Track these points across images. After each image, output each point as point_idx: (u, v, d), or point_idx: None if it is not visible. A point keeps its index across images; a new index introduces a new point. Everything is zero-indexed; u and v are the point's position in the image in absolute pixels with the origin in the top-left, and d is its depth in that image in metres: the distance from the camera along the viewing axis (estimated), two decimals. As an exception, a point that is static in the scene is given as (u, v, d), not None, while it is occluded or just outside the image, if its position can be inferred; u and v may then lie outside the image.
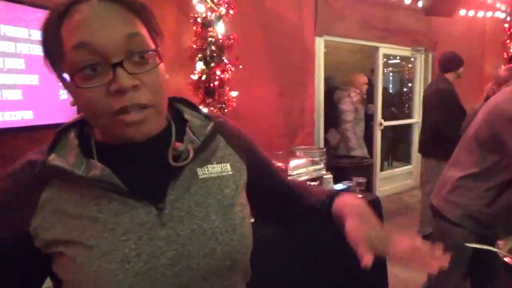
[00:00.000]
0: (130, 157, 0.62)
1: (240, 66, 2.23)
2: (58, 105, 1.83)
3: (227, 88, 2.26)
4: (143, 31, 0.58)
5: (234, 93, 2.27)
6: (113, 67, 0.54)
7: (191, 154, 0.63)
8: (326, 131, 4.35)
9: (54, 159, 0.58)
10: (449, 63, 3.15)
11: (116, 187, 0.58)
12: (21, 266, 0.60)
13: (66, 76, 0.57)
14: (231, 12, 2.17)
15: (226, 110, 2.23)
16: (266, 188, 0.80)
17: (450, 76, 3.14)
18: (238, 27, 2.27)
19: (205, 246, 0.60)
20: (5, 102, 1.61)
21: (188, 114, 0.70)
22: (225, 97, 2.24)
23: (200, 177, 0.65)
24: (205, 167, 0.66)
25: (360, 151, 4.02)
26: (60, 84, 0.60)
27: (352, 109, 4.08)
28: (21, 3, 1.65)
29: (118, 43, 0.54)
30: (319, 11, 3.51)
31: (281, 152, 2.16)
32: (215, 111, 2.18)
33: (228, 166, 0.69)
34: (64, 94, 1.85)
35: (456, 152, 1.77)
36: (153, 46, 0.58)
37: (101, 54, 0.54)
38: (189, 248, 0.59)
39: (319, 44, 3.65)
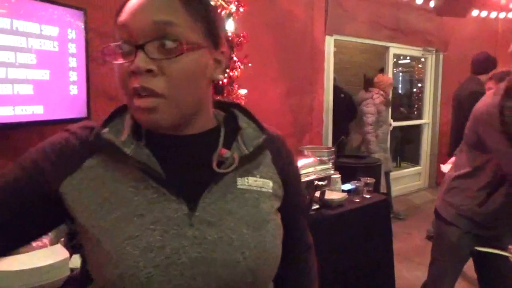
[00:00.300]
0: (175, 149, 0.63)
1: (250, 64, 2.22)
2: (68, 100, 1.84)
3: (236, 86, 2.25)
4: (180, 21, 0.57)
5: (243, 91, 2.27)
6: (136, 48, 0.55)
7: (236, 163, 0.63)
8: (347, 133, 4.29)
9: (107, 133, 0.59)
10: (483, 64, 3.07)
11: (157, 175, 0.58)
12: (34, 214, 0.60)
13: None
14: (241, 9, 2.17)
15: (234, 108, 2.22)
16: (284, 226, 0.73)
17: (483, 78, 3.05)
18: (248, 25, 2.26)
19: (229, 257, 0.58)
20: (17, 96, 1.62)
21: (243, 122, 0.69)
22: (234, 95, 2.23)
23: (238, 186, 0.64)
24: (246, 178, 0.65)
25: (382, 155, 3.84)
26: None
27: (373, 111, 3.94)
28: (33, -2, 1.67)
29: (146, 28, 0.56)
30: (329, 10, 3.49)
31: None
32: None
33: (270, 183, 0.68)
34: (74, 90, 1.86)
35: (457, 153, 1.78)
36: (189, 38, 0.57)
37: (131, 35, 0.56)
38: (212, 255, 0.57)
39: (329, 43, 3.63)
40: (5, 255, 0.61)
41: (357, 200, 2.24)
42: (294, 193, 0.75)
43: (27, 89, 1.66)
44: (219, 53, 0.63)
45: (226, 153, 0.64)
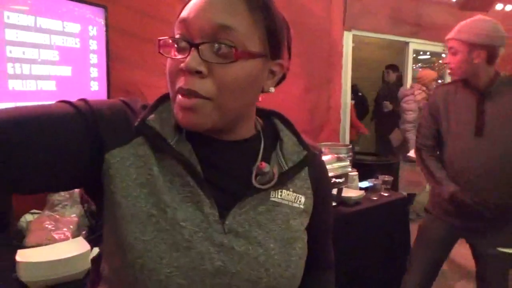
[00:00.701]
0: (214, 152, 0.61)
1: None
2: (88, 96, 1.87)
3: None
4: (241, 27, 0.54)
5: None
6: (190, 46, 0.54)
7: (275, 179, 0.61)
8: (389, 130, 4.19)
9: (153, 120, 0.58)
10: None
11: (196, 173, 0.57)
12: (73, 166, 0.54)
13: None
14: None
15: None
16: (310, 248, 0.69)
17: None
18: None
19: (252, 271, 0.57)
20: (40, 92, 1.66)
21: (284, 135, 0.67)
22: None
23: (271, 198, 0.62)
24: (280, 190, 0.63)
25: None
26: None
27: (414, 108, 3.79)
28: (55, -4, 1.70)
29: (205, 28, 0.54)
30: (348, 5, 3.44)
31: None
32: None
33: (303, 199, 0.65)
34: (94, 86, 1.89)
35: None
36: (246, 45, 0.55)
37: (189, 32, 0.55)
38: (236, 267, 0.56)
39: (347, 39, 3.59)
40: (23, 192, 0.56)
41: (375, 198, 2.22)
42: (324, 211, 0.73)
43: (50, 85, 1.70)
44: (275, 64, 0.62)
45: (266, 167, 0.62)
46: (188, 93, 0.54)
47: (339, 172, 1.94)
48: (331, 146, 2.52)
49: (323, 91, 3.38)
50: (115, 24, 1.95)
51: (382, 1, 3.72)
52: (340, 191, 2.04)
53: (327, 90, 3.41)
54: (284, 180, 0.63)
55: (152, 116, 0.58)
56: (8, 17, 1.52)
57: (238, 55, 0.54)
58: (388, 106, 4.48)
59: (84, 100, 0.58)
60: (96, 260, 0.65)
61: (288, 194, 0.64)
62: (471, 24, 1.57)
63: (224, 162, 0.62)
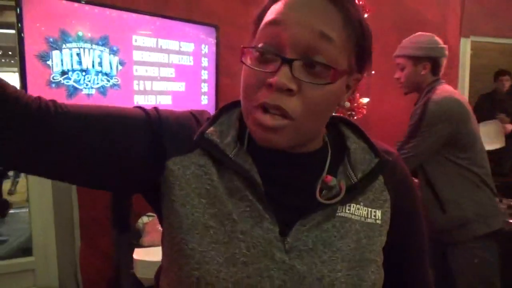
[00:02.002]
0: (276, 165, 0.57)
1: (373, 72, 2.13)
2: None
3: (357, 94, 2.18)
4: (338, 40, 0.50)
5: (364, 100, 2.18)
6: (282, 61, 0.49)
7: (342, 193, 0.55)
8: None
9: (212, 133, 0.56)
10: None
11: (255, 187, 0.53)
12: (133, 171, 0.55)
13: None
14: (365, 15, 2.10)
15: (355, 118, 2.15)
16: (393, 273, 0.60)
17: None
18: (373, 29, 2.16)
19: None
20: (159, 106, 1.84)
21: (352, 142, 0.60)
22: (355, 104, 2.17)
23: (338, 214, 0.55)
24: (348, 204, 0.56)
25: None
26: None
27: None
28: (173, 19, 1.88)
29: (303, 38, 0.49)
30: (466, 9, 3.14)
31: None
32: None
33: (379, 213, 0.57)
34: (205, 100, 2.03)
35: None
36: (340, 62, 0.51)
37: (279, 41, 0.50)
38: (297, 287, 0.50)
39: (465, 46, 3.27)
40: (74, 182, 0.57)
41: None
42: (410, 228, 0.62)
43: (167, 100, 1.87)
44: (354, 78, 0.57)
45: (331, 181, 0.56)
46: (276, 109, 0.49)
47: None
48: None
49: (435, 103, 3.11)
50: (225, 42, 2.08)
51: (507, 2, 3.31)
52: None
53: (439, 102, 3.14)
54: (353, 193, 0.56)
55: (211, 129, 0.56)
56: (135, 40, 1.73)
57: (335, 77, 0.49)
58: (505, 119, 3.90)
59: (155, 108, 0.59)
60: (156, 274, 0.65)
61: (358, 209, 0.56)
62: (412, 40, 1.74)
63: (287, 176, 0.57)
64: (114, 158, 0.53)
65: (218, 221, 0.52)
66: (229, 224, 0.52)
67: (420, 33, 1.77)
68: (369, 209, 0.57)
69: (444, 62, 1.75)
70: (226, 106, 0.61)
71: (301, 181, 0.57)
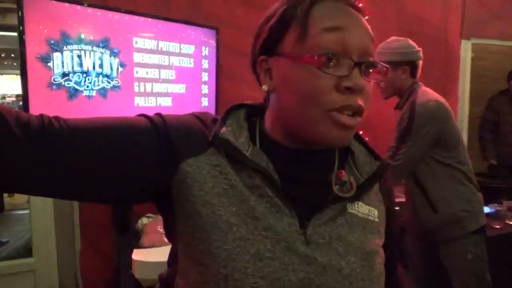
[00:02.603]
0: (292, 162, 0.60)
1: (373, 74, 2.14)
2: (199, 111, 2.03)
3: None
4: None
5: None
6: (354, 64, 0.53)
7: (354, 188, 0.60)
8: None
9: (226, 133, 0.58)
10: None
11: (274, 183, 0.56)
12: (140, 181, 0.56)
13: (288, 54, 0.56)
14: (366, 18, 2.10)
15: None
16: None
17: None
18: (374, 32, 2.17)
19: (337, 284, 0.54)
20: (159, 108, 1.85)
21: (354, 145, 0.66)
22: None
23: (348, 210, 0.60)
24: (355, 203, 0.61)
25: None
26: (263, 63, 0.60)
27: None
28: (174, 21, 1.89)
29: (364, 42, 0.55)
30: (467, 11, 3.14)
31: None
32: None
33: (376, 212, 0.63)
34: (205, 101, 2.04)
35: None
36: None
37: (345, 46, 0.54)
38: (320, 279, 0.54)
39: (466, 48, 3.27)
40: (78, 199, 0.59)
41: (498, 227, 1.96)
42: (392, 229, 0.68)
43: (167, 101, 1.88)
44: None
45: (344, 175, 0.61)
46: (358, 110, 0.54)
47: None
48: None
49: (437, 105, 3.11)
50: (225, 44, 2.08)
51: (509, 3, 3.31)
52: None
53: (441, 104, 3.14)
54: (360, 192, 0.61)
55: (224, 129, 0.58)
56: (136, 42, 1.74)
57: (387, 72, 0.57)
58: None
59: (159, 114, 0.60)
60: (164, 277, 0.66)
61: (362, 207, 0.61)
62: (389, 45, 1.77)
63: (301, 172, 0.60)
64: (124, 169, 0.54)
65: (240, 218, 0.54)
66: (252, 221, 0.54)
67: (394, 37, 1.83)
68: (369, 208, 0.62)
69: (420, 64, 1.81)
70: (232, 108, 0.63)
71: (313, 176, 0.61)
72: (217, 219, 0.54)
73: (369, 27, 0.57)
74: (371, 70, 0.57)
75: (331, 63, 0.53)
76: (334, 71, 0.53)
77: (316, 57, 0.53)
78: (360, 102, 0.54)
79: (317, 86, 0.53)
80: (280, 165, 0.59)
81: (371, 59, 0.56)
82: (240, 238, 0.53)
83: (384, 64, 0.58)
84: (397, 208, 1.63)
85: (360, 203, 0.61)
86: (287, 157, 0.60)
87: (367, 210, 0.62)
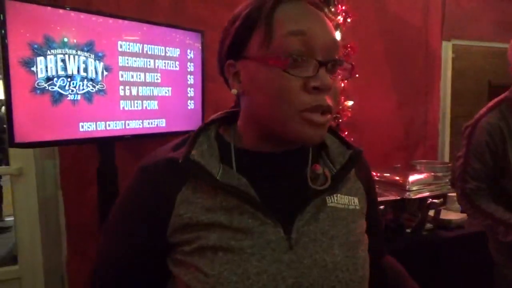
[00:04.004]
0: (266, 168, 0.61)
1: (357, 75, 2.17)
2: (186, 114, 2.03)
3: (342, 97, 2.22)
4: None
5: (349, 102, 2.22)
6: (319, 64, 0.55)
7: (329, 181, 0.62)
8: None
9: (196, 154, 0.58)
10: None
11: (251, 198, 0.57)
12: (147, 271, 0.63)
13: (253, 57, 0.57)
14: (348, 20, 2.14)
15: (340, 120, 2.18)
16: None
17: None
18: (357, 34, 2.21)
19: (324, 281, 0.56)
20: (145, 111, 1.84)
21: (327, 139, 0.68)
22: (340, 107, 2.20)
23: (328, 204, 0.61)
24: (334, 195, 0.63)
25: None
26: (231, 67, 0.62)
27: None
28: (159, 25, 1.89)
29: (328, 41, 0.56)
30: (447, 13, 3.22)
31: (399, 165, 2.03)
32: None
33: (356, 200, 0.65)
34: (191, 104, 2.04)
35: None
36: None
37: (310, 48, 0.55)
38: (309, 280, 0.56)
39: (446, 49, 3.35)
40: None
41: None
42: (376, 211, 0.73)
43: (153, 105, 1.88)
44: None
45: (319, 169, 0.63)
46: (327, 109, 0.56)
47: (437, 192, 1.79)
48: (427, 164, 2.36)
49: (419, 105, 3.18)
50: (211, 47, 2.09)
51: (487, 5, 3.40)
52: (438, 213, 1.88)
53: (423, 104, 3.20)
54: (336, 183, 0.63)
55: (194, 151, 0.59)
56: (121, 46, 1.73)
57: (355, 71, 0.59)
58: None
59: (118, 214, 0.66)
60: None
61: (341, 198, 0.63)
62: None
63: (277, 175, 0.62)
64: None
65: (224, 242, 0.56)
66: (237, 242, 0.56)
67: None
68: (349, 197, 0.65)
69: None
70: (201, 127, 0.64)
71: (289, 177, 0.62)
72: (202, 246, 0.57)
73: (331, 24, 0.59)
74: (338, 68, 0.58)
75: (297, 64, 0.54)
76: (301, 72, 0.54)
77: (282, 60, 0.54)
78: (329, 101, 0.56)
79: (285, 87, 0.54)
80: (255, 173, 0.60)
81: (336, 57, 0.58)
82: (227, 262, 0.55)
83: (349, 62, 0.60)
84: (382, 207, 1.67)
85: (339, 194, 0.63)
86: (262, 164, 0.61)
87: (347, 200, 0.64)
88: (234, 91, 0.61)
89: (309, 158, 0.65)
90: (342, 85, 2.16)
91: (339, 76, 0.59)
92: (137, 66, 1.80)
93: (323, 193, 0.61)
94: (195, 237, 0.57)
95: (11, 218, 4.22)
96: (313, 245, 0.58)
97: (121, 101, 1.75)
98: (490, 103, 1.63)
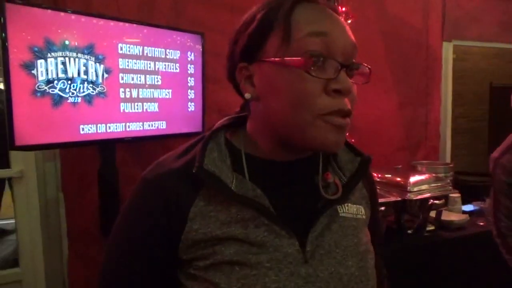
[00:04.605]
0: (277, 177, 0.59)
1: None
2: (186, 116, 2.03)
3: (343, 99, 2.21)
4: None
5: (350, 104, 2.22)
6: (340, 66, 0.53)
7: (340, 189, 0.60)
8: None
9: (209, 164, 0.56)
10: None
11: (266, 210, 0.55)
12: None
13: (274, 59, 0.54)
14: (349, 21, 2.13)
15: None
16: None
17: None
18: (357, 35, 2.19)
19: None
20: (145, 113, 1.84)
21: None
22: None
23: (340, 214, 0.60)
24: (345, 205, 0.62)
25: None
26: (243, 70, 0.59)
27: None
28: (159, 27, 1.89)
29: (348, 45, 0.55)
30: (447, 13, 3.22)
31: (400, 166, 2.03)
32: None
33: (363, 209, 0.64)
34: (191, 106, 2.04)
35: None
36: None
37: (330, 50, 0.53)
38: None
39: (447, 50, 3.34)
40: None
41: (482, 224, 2.00)
42: (376, 218, 0.71)
43: (153, 107, 1.88)
44: None
45: (330, 177, 0.61)
46: (349, 114, 0.55)
47: (438, 193, 1.79)
48: (429, 165, 2.35)
49: (420, 106, 3.17)
50: (211, 49, 2.09)
51: (488, 5, 3.39)
52: (439, 214, 1.87)
53: (424, 104, 3.20)
54: (346, 191, 0.61)
55: (206, 160, 0.57)
56: (121, 48, 1.73)
57: (371, 74, 0.57)
58: None
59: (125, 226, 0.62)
60: None
61: (351, 207, 0.62)
62: None
63: (288, 183, 0.60)
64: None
65: (241, 256, 0.54)
66: (253, 256, 0.54)
67: None
68: (357, 206, 0.63)
69: None
70: (211, 134, 0.61)
71: (302, 185, 0.61)
72: (218, 261, 0.54)
73: (349, 28, 0.58)
74: (355, 72, 0.57)
75: (317, 66, 0.52)
76: (321, 74, 0.52)
77: (304, 60, 0.52)
78: (349, 105, 0.55)
79: (305, 89, 0.52)
80: (267, 182, 0.58)
81: (354, 60, 0.56)
82: (244, 277, 0.53)
83: (367, 66, 0.58)
84: (383, 208, 1.66)
85: (349, 204, 0.62)
86: (274, 172, 0.59)
87: (355, 209, 0.63)
88: (247, 95, 0.58)
89: (320, 166, 0.63)
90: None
91: (360, 80, 0.58)
92: (137, 68, 1.80)
93: (335, 203, 0.60)
94: (211, 252, 0.55)
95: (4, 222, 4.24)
96: (327, 258, 0.57)
97: (122, 103, 1.75)
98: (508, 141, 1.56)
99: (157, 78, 1.88)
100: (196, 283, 0.56)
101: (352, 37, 0.57)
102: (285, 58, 0.53)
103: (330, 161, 0.65)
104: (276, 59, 0.54)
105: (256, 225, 0.55)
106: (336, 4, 2.05)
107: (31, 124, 1.47)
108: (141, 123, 1.83)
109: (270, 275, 0.53)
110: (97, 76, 1.65)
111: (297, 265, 0.55)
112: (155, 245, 0.57)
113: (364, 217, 0.64)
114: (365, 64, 0.58)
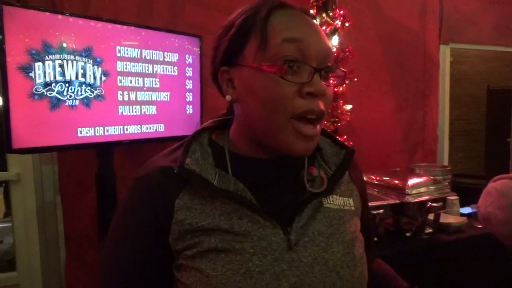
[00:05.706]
0: (261, 172, 0.62)
1: (355, 79, 2.18)
2: (184, 119, 2.03)
3: (341, 101, 2.22)
4: None
5: (348, 106, 2.22)
6: (314, 70, 0.56)
7: (325, 182, 0.63)
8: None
9: (190, 163, 0.59)
10: None
11: (248, 202, 0.58)
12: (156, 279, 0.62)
13: (250, 64, 0.57)
14: (346, 24, 2.14)
15: (339, 124, 2.18)
16: None
17: None
18: (355, 38, 2.22)
19: (326, 278, 0.57)
20: (144, 116, 1.84)
21: (320, 140, 0.68)
22: (339, 111, 2.20)
23: (324, 205, 0.63)
24: (330, 196, 0.64)
25: None
26: (225, 75, 0.62)
27: None
28: (157, 30, 1.89)
29: (322, 49, 0.57)
30: (444, 17, 3.23)
31: (398, 169, 2.03)
32: (327, 124, 2.16)
33: (351, 201, 0.67)
34: (190, 109, 2.04)
35: None
36: None
37: (304, 55, 0.56)
38: (311, 277, 0.57)
39: (444, 53, 3.36)
40: None
41: (480, 226, 2.00)
42: (368, 211, 0.75)
43: (151, 110, 1.88)
44: None
45: (315, 171, 0.64)
46: (320, 114, 0.56)
47: (436, 195, 1.79)
48: (427, 167, 2.35)
49: (418, 108, 3.18)
50: (209, 52, 2.09)
51: (485, 9, 3.41)
52: (437, 216, 1.87)
53: (422, 107, 3.21)
54: (332, 184, 0.64)
55: (188, 160, 0.60)
56: (119, 51, 1.73)
57: (346, 78, 0.58)
58: None
59: (121, 222, 0.64)
60: None
61: (337, 199, 0.65)
62: None
63: (273, 178, 0.63)
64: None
65: (226, 243, 0.57)
66: (238, 243, 0.57)
67: None
68: (344, 198, 0.66)
69: None
70: (193, 135, 0.65)
71: (286, 180, 0.63)
72: (204, 248, 0.57)
73: (323, 32, 0.60)
74: (330, 75, 0.59)
75: (292, 71, 0.55)
76: (296, 78, 0.55)
77: (278, 66, 0.55)
78: (322, 106, 0.57)
79: (280, 93, 0.55)
80: (251, 177, 0.61)
81: (329, 64, 0.59)
82: (229, 262, 0.55)
83: (342, 69, 0.61)
84: (381, 210, 1.66)
85: (335, 196, 0.65)
86: (257, 168, 0.62)
87: (342, 201, 0.65)
88: (228, 97, 0.62)
89: (305, 161, 0.66)
90: (341, 89, 2.16)
91: (334, 82, 0.60)
92: (135, 71, 1.80)
93: (320, 195, 0.63)
94: (197, 242, 0.58)
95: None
96: (312, 245, 0.59)
97: (120, 106, 1.75)
98: None
99: (155, 81, 1.88)
100: (185, 273, 0.59)
101: (327, 42, 0.59)
102: (262, 64, 0.56)
103: (316, 155, 0.68)
104: (254, 64, 0.57)
105: (239, 217, 0.58)
106: (332, 7, 2.06)
107: (28, 127, 1.46)
108: (139, 126, 1.83)
109: (254, 260, 0.55)
110: (95, 78, 1.64)
111: (282, 252, 0.57)
112: (147, 236, 0.60)
113: (353, 208, 0.67)
114: (341, 68, 0.61)
